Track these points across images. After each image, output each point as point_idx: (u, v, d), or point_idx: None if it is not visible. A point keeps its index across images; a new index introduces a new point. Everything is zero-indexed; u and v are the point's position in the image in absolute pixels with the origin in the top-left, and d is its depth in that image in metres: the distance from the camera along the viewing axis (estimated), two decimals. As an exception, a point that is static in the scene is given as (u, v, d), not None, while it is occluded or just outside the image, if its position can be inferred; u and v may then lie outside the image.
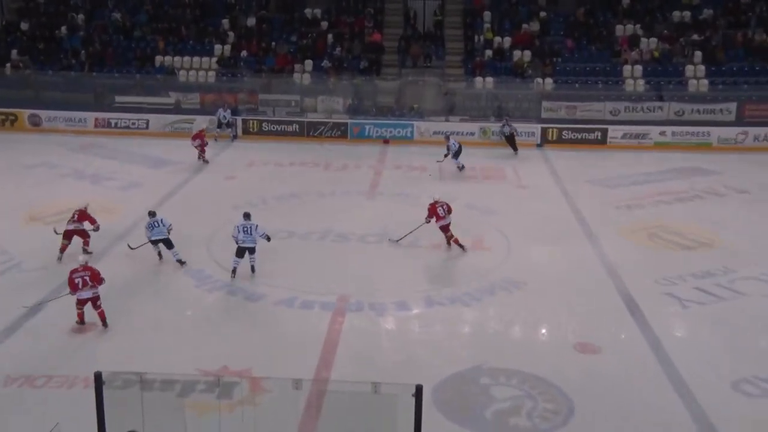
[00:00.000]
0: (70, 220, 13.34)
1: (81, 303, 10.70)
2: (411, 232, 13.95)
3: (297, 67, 25.24)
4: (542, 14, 26.40)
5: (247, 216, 12.77)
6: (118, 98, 24.41)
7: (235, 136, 22.91)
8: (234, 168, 19.60)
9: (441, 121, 23.36)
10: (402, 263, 13.36)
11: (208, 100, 24.44)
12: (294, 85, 24.75)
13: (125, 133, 23.09)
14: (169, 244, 12.94)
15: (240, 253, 12.45)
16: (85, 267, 10.79)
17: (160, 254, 13.11)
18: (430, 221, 13.70)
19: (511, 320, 11.29)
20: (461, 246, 13.71)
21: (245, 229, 12.52)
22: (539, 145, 22.42)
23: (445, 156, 19.16)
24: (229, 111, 22.79)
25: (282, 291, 11.95)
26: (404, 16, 27.17)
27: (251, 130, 23.32)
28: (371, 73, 24.99)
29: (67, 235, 13.17)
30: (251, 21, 26.79)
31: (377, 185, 18.42)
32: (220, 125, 22.60)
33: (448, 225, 13.73)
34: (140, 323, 10.95)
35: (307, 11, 27.10)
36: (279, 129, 23.29)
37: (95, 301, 10.72)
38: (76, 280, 10.62)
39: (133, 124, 23.46)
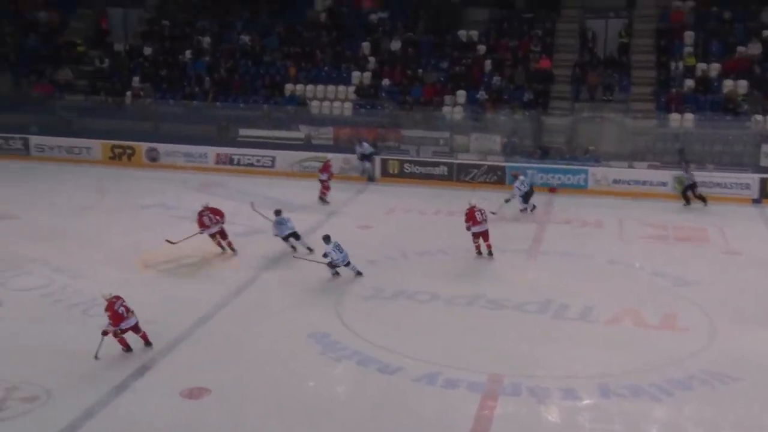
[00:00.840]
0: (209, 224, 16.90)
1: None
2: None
3: (447, 98, 25.80)
4: (765, 33, 25.34)
5: (327, 238, 15.48)
6: (243, 131, 26.04)
7: (372, 178, 23.63)
8: (370, 215, 20.19)
9: (623, 167, 22.88)
10: (570, 339, 13.07)
11: (342, 135, 25.42)
12: (443, 120, 25.27)
13: (249, 171, 24.51)
14: (296, 236, 16.82)
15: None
16: None
17: (293, 247, 16.75)
18: (470, 228, 16.27)
19: (717, 425, 10.65)
20: (491, 253, 16.40)
21: (337, 247, 15.27)
22: (756, 201, 21.39)
23: (507, 201, 19.84)
24: (365, 144, 23.63)
25: (422, 365, 12.02)
26: (580, 38, 27.13)
27: (391, 171, 23.97)
28: (537, 107, 25.04)
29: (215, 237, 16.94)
30: (396, 44, 27.78)
31: (540, 242, 18.24)
32: (362, 158, 23.47)
33: (486, 232, 16.25)
34: (256, 392, 11.41)
35: (462, 33, 27.75)
36: (424, 171, 23.75)
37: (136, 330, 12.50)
38: (120, 310, 12.31)
39: (258, 161, 24.86)
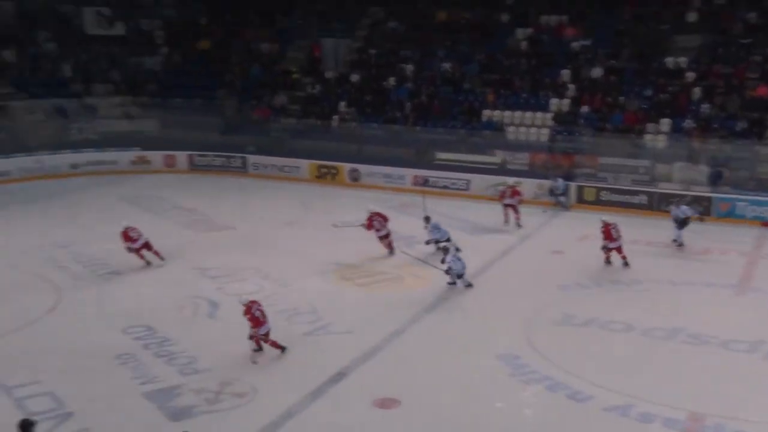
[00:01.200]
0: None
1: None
2: None
3: (649, 126, 24.83)
4: None
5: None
6: (440, 155, 26.41)
7: (566, 207, 23.19)
8: (563, 241, 19.77)
9: None
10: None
11: (538, 160, 25.16)
12: (644, 148, 24.35)
13: (443, 193, 24.80)
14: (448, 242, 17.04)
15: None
16: None
17: (445, 249, 16.28)
18: (606, 246, 17.35)
19: None
20: (626, 263, 17.34)
21: (456, 255, 15.90)
22: None
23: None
24: (560, 181, 23.26)
25: (614, 395, 11.57)
26: (804, 65, 25.19)
27: (587, 198, 23.38)
28: (751, 137, 23.47)
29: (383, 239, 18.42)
30: (597, 72, 27.18)
31: (750, 279, 17.02)
32: (552, 194, 23.21)
33: (621, 246, 17.39)
34: (444, 407, 11.45)
35: (669, 60, 26.65)
36: (621, 200, 22.96)
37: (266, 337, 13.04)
38: (256, 314, 12.94)
39: (453, 183, 25.11)
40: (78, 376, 12.15)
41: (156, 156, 27.70)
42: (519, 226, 21.05)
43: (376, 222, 18.48)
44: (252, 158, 27.70)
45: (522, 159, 25.57)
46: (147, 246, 17.35)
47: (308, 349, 13.52)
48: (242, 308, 13.09)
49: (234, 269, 17.39)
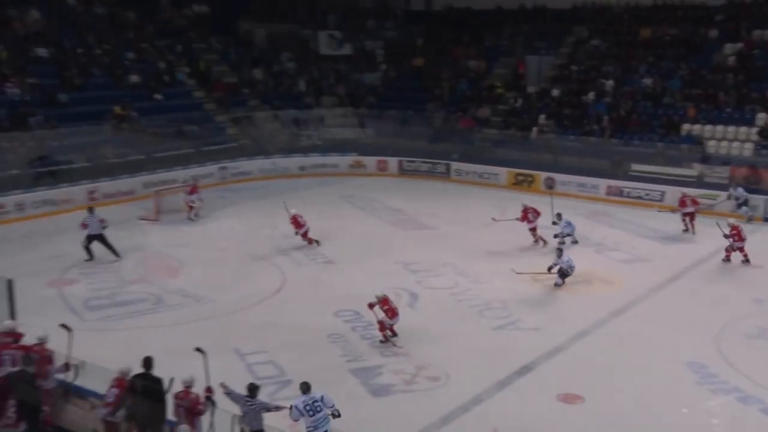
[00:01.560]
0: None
1: None
2: None
3: None
4: None
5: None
6: (635, 166, 25.20)
7: (750, 217, 21.37)
8: (761, 253, 18.14)
9: None
10: None
11: (739, 174, 23.33)
12: None
13: (637, 203, 23.66)
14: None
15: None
16: None
17: (559, 251, 16.30)
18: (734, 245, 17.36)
19: None
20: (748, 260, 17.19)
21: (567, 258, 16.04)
22: None
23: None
24: (740, 189, 21.55)
25: (809, 413, 10.50)
26: None
27: (788, 214, 21.35)
28: None
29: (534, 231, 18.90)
30: (808, 86, 24.73)
31: None
32: (739, 204, 21.53)
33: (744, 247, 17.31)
34: (626, 407, 10.96)
35: None
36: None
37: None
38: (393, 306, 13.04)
39: (647, 194, 23.87)
40: (297, 350, 12.92)
41: (370, 161, 28.74)
42: (693, 233, 20.05)
43: (530, 215, 19.14)
44: (455, 165, 27.96)
45: (722, 172, 23.76)
46: (306, 233, 18.71)
47: (498, 342, 13.49)
48: (379, 300, 13.21)
49: (433, 265, 17.64)
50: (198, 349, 9.39)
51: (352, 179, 27.49)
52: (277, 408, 9.56)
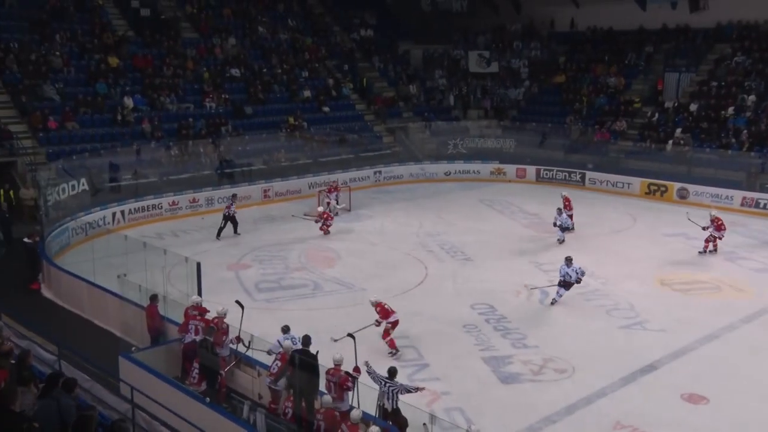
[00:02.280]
0: None
1: None
2: None
3: None
4: None
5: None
6: (772, 178, 23.12)
7: None
8: None
9: None
10: None
11: None
12: None
13: (769, 215, 21.71)
14: None
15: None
16: None
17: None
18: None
19: None
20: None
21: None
22: None
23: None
24: None
25: None
26: None
27: None
28: None
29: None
30: None
31: None
32: None
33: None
34: (750, 410, 10.06)
35: None
36: None
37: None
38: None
39: (786, 206, 21.79)
40: (434, 336, 12.96)
41: (510, 168, 28.22)
42: None
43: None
44: (590, 174, 26.85)
45: None
46: None
47: (624, 341, 12.88)
48: (374, 304, 12.35)
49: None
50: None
51: (492, 185, 27.14)
52: (417, 389, 9.60)
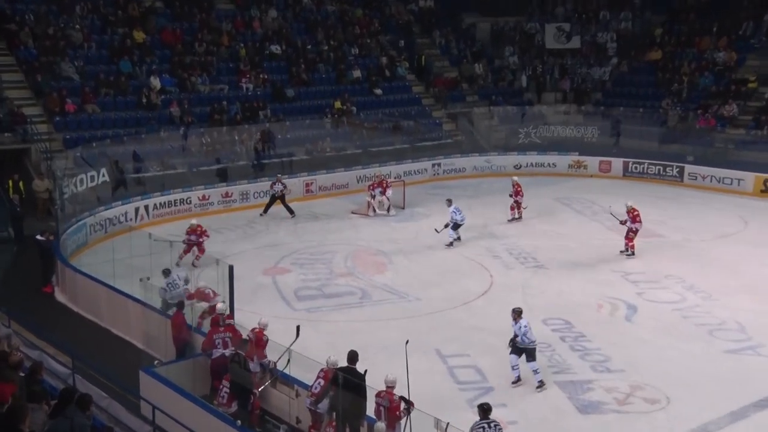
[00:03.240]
0: None
1: None
2: None
3: None
4: None
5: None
6: None
7: None
8: None
9: None
10: None
11: None
12: None
13: None
14: None
15: None
16: None
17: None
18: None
19: None
20: None
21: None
22: None
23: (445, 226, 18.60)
24: None
25: None
26: None
27: None
28: None
29: None
30: None
31: None
32: None
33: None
34: None
35: None
36: None
37: None
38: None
39: None
40: (499, 356, 12.73)
41: (593, 161, 27.66)
42: None
43: None
44: (690, 168, 26.14)
45: None
46: None
47: (731, 368, 12.51)
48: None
49: (657, 276, 16.73)
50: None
51: (570, 180, 26.69)
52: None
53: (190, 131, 23.85)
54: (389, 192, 22.24)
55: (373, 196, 22.06)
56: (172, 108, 24.36)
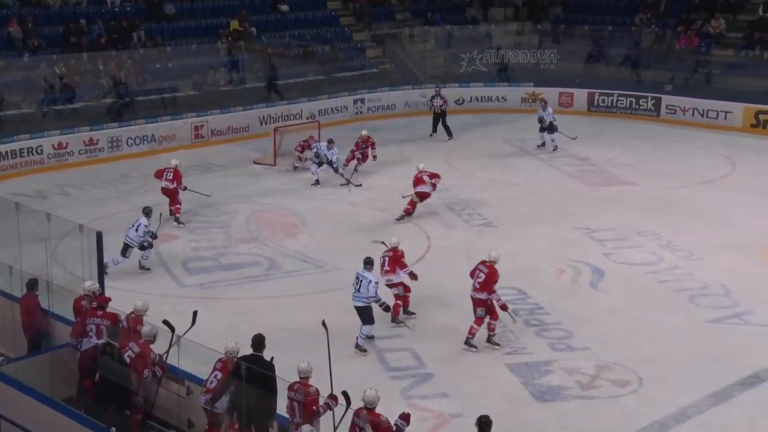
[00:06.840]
0: None
1: None
2: None
3: None
4: None
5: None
6: None
7: None
8: None
9: None
10: None
11: None
12: None
13: None
14: None
15: None
16: None
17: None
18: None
19: None
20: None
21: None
22: None
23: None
24: None
25: None
26: None
27: None
28: None
29: None
30: None
31: None
32: None
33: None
34: None
35: None
36: None
37: None
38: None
39: None
40: (441, 335, 13.00)
41: (551, 93, 27.86)
42: None
43: None
44: (668, 99, 26.81)
45: None
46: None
47: (714, 341, 13.01)
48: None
49: (628, 233, 17.18)
50: (323, 324, 9.77)
51: (524, 117, 26.92)
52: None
53: (39, 58, 23.16)
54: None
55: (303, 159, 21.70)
56: (11, 28, 23.55)
